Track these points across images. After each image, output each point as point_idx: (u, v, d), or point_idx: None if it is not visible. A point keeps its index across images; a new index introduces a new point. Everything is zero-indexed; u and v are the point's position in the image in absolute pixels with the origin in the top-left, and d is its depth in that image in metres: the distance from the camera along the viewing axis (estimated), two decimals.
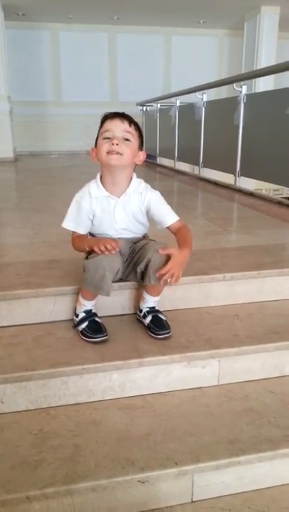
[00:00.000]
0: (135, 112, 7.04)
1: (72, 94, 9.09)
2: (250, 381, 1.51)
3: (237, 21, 8.23)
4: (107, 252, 1.38)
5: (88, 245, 1.45)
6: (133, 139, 1.44)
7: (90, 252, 1.49)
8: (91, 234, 1.60)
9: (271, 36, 7.63)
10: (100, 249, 1.38)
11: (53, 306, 1.62)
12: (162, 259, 1.41)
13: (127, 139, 1.42)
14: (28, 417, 1.32)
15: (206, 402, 1.39)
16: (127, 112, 1.51)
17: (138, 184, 1.52)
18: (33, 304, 1.61)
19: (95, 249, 1.39)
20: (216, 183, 4.39)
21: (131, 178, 1.52)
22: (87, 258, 1.48)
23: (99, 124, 1.48)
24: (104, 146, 1.42)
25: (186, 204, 3.44)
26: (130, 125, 1.43)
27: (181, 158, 5.71)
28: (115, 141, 1.40)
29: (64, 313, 1.63)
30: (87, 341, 1.47)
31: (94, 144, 1.49)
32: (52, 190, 4.16)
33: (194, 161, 5.13)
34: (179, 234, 1.51)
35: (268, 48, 7.64)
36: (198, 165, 4.97)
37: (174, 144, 5.79)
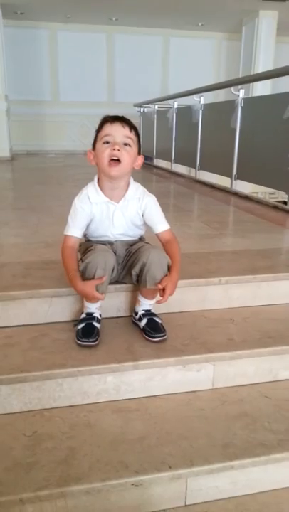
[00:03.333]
0: (132, 113, 7.05)
1: (69, 93, 9.08)
2: (244, 385, 1.51)
3: (235, 25, 8.27)
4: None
5: (74, 288, 1.44)
6: (133, 145, 1.44)
7: (85, 253, 1.50)
8: (88, 240, 1.60)
9: (269, 40, 7.67)
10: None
11: (48, 307, 1.62)
12: (157, 264, 1.41)
13: (127, 144, 1.42)
14: (22, 418, 1.32)
15: (200, 406, 1.40)
16: (125, 112, 1.51)
17: (136, 189, 1.53)
18: (28, 305, 1.60)
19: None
20: (212, 186, 4.41)
21: (128, 183, 1.52)
22: (81, 260, 1.48)
23: (96, 126, 1.47)
24: (105, 153, 1.41)
25: (183, 206, 3.46)
26: (130, 130, 1.43)
27: (178, 161, 5.72)
28: (116, 147, 1.39)
29: (59, 315, 1.63)
30: (76, 343, 1.47)
31: (91, 145, 1.49)
32: (49, 190, 4.16)
33: (191, 164, 5.14)
34: (167, 248, 1.51)
35: (266, 51, 7.69)
36: (194, 167, 4.99)
37: (171, 146, 5.80)
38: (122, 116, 1.45)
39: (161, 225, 1.55)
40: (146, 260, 1.43)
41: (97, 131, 1.45)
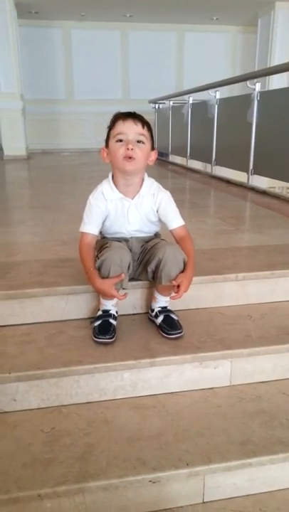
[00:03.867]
0: (147, 110, 7.03)
1: (84, 92, 9.10)
2: (262, 382, 1.50)
3: (250, 18, 8.15)
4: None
5: (93, 285, 1.44)
6: (146, 141, 1.43)
7: (100, 250, 1.50)
8: (103, 237, 1.60)
9: (285, 32, 7.53)
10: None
11: (65, 304, 1.63)
12: (173, 261, 1.41)
13: (141, 141, 1.41)
14: (40, 415, 1.33)
15: (217, 403, 1.39)
16: (139, 109, 1.50)
17: (150, 185, 1.52)
18: (45, 302, 1.61)
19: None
20: (228, 182, 4.36)
21: (143, 179, 1.52)
22: (97, 257, 1.48)
23: (109, 123, 1.46)
24: (119, 152, 1.40)
25: (199, 202, 3.43)
26: (143, 127, 1.41)
27: (193, 156, 5.68)
28: (130, 146, 1.39)
29: (76, 312, 1.64)
30: (93, 340, 1.47)
31: (104, 143, 1.48)
32: (64, 189, 4.18)
33: (207, 159, 5.10)
34: (182, 245, 1.49)
35: (282, 44, 7.55)
36: (210, 163, 4.95)
37: (186, 141, 5.77)
38: (134, 113, 1.44)
39: (175, 221, 1.54)
40: (161, 257, 1.43)
41: (110, 128, 1.45)
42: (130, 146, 1.39)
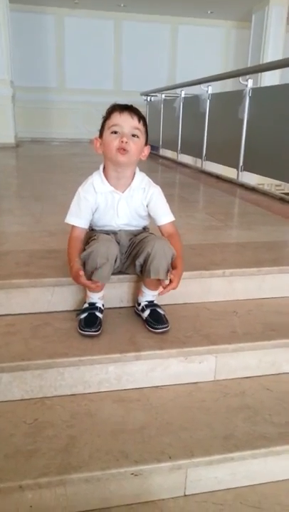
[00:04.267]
0: (139, 102, 6.98)
1: (75, 80, 9.00)
2: (246, 378, 1.51)
3: (245, 13, 8.13)
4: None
5: (76, 277, 1.40)
6: (141, 136, 1.42)
7: (88, 242, 1.49)
8: (91, 228, 1.59)
9: (279, 29, 7.55)
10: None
11: (51, 296, 1.61)
12: (162, 255, 1.40)
13: (135, 135, 1.40)
14: (24, 406, 1.32)
15: (202, 397, 1.40)
16: (131, 101, 1.49)
17: (141, 179, 1.52)
18: (31, 293, 1.60)
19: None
20: (218, 177, 4.37)
21: (134, 173, 1.50)
22: (84, 249, 1.47)
23: (103, 114, 1.45)
24: (113, 143, 1.39)
25: (188, 197, 3.42)
26: (139, 121, 1.40)
27: (184, 151, 5.67)
28: (124, 139, 1.38)
29: (62, 304, 1.63)
30: (78, 332, 1.46)
31: (98, 133, 1.46)
32: (53, 178, 4.14)
33: (197, 154, 5.10)
34: (171, 242, 1.47)
35: (275, 41, 7.56)
36: (200, 158, 4.94)
37: (177, 135, 5.75)
38: (131, 106, 1.42)
39: (165, 217, 1.54)
40: (150, 250, 1.42)
41: (105, 119, 1.43)
42: (125, 139, 1.38)
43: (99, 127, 1.47)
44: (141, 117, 1.42)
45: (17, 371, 1.32)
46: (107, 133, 1.41)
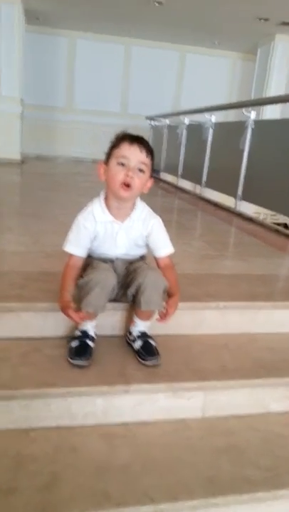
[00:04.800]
0: (144, 125, 7.10)
1: (83, 101, 9.14)
2: (234, 415, 1.49)
3: (251, 46, 8.34)
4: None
5: (64, 308, 1.43)
6: (146, 170, 1.42)
7: (85, 270, 1.49)
8: (89, 256, 1.59)
9: (283, 63, 7.72)
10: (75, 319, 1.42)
11: (43, 322, 1.60)
12: (153, 287, 1.41)
13: (142, 170, 1.40)
14: (7, 437, 1.29)
15: (188, 435, 1.37)
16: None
17: (142, 209, 1.52)
18: (23, 317, 1.59)
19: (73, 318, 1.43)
20: (216, 205, 4.40)
21: (135, 203, 1.51)
22: (81, 276, 1.47)
23: (112, 138, 1.42)
24: (118, 176, 1.39)
25: (185, 224, 3.45)
26: (147, 155, 1.40)
27: (184, 176, 5.74)
28: (130, 174, 1.37)
29: (53, 330, 1.61)
30: (68, 361, 1.45)
31: (102, 154, 1.45)
32: (55, 197, 4.17)
33: (197, 180, 5.15)
34: (166, 274, 1.49)
35: (279, 75, 7.73)
36: (200, 184, 5.00)
37: (178, 161, 5.82)
38: (142, 138, 1.41)
39: (164, 249, 1.55)
40: (142, 281, 1.42)
41: (113, 146, 1.41)
42: (130, 174, 1.38)
43: (103, 148, 1.45)
44: (149, 151, 1.41)
45: (2, 400, 1.30)
46: (113, 162, 1.40)
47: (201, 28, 7.70)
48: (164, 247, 1.55)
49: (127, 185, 1.39)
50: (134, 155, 1.38)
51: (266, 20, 6.78)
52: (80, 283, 1.41)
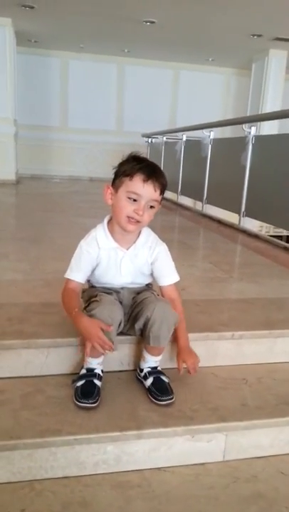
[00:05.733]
0: (140, 143, 7.07)
1: (78, 121, 9.14)
2: (258, 457, 1.36)
3: (245, 61, 8.39)
4: (101, 350, 1.29)
5: (77, 326, 1.31)
6: (157, 206, 1.33)
7: (89, 302, 1.38)
8: (92, 286, 1.48)
9: (278, 78, 7.76)
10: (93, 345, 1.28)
11: (45, 358, 1.48)
12: (162, 322, 1.32)
13: (152, 207, 1.32)
14: (10, 491, 1.16)
15: (209, 483, 1.24)
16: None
17: (147, 236, 1.42)
18: (23, 355, 1.47)
19: (89, 343, 1.29)
20: (219, 222, 4.31)
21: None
22: (85, 308, 1.36)
23: (125, 168, 1.30)
24: (127, 210, 1.29)
25: (189, 243, 3.34)
26: (160, 193, 1.31)
27: (184, 193, 5.68)
28: (140, 212, 1.29)
29: (56, 367, 1.49)
30: (74, 403, 1.32)
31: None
32: (52, 218, 4.06)
33: (198, 197, 5.08)
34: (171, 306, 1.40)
35: (275, 89, 7.76)
36: (201, 201, 4.92)
37: (178, 177, 5.77)
38: (158, 172, 1.30)
39: (169, 277, 1.45)
40: (150, 315, 1.32)
41: (125, 174, 1.29)
42: (140, 212, 1.29)
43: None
44: (163, 188, 1.32)
45: (4, 451, 1.18)
46: (123, 194, 1.30)
47: (194, 46, 7.75)
48: (168, 275, 1.46)
49: (136, 222, 1.31)
50: (147, 193, 1.28)
51: (259, 36, 6.82)
52: None
